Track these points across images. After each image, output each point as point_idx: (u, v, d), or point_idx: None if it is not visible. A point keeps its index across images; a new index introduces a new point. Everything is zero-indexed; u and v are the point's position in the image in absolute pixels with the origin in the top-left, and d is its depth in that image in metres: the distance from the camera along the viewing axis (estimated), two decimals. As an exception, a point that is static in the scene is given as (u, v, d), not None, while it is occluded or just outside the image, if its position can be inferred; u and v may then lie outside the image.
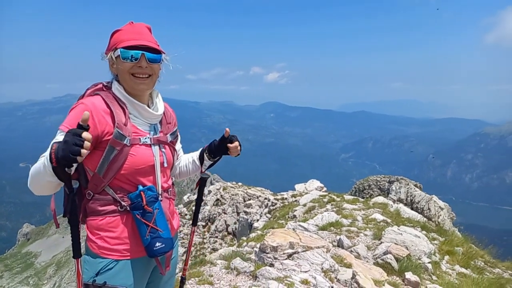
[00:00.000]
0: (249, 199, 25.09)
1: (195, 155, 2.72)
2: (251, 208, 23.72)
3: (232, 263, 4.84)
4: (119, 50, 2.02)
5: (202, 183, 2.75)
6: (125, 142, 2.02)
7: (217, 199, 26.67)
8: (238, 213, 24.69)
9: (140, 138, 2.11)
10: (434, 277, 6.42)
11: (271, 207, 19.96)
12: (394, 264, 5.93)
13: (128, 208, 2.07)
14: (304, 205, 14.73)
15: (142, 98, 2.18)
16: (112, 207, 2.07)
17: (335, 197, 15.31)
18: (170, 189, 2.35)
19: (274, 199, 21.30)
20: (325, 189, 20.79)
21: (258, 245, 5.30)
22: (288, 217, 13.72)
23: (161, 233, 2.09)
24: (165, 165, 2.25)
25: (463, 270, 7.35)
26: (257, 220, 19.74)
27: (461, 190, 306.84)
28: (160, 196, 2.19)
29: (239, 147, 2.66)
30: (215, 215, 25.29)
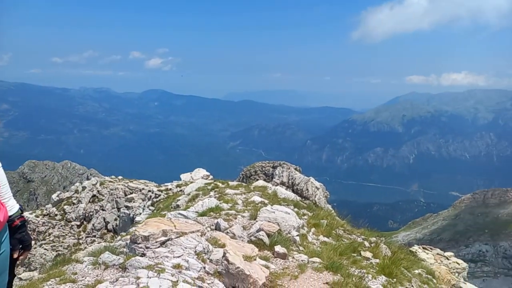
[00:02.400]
0: (131, 193, 23.88)
1: None
2: (133, 202, 22.64)
3: (100, 258, 4.64)
4: None
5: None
6: None
7: (94, 196, 24.65)
8: (118, 209, 23.29)
9: None
10: (301, 248, 7.31)
11: (155, 199, 19.46)
12: (266, 240, 6.52)
13: None
14: (189, 194, 14.79)
15: None
16: None
17: (220, 184, 15.77)
18: None
19: (158, 190, 20.78)
20: (211, 177, 21.19)
21: (129, 237, 5.19)
22: (172, 207, 13.61)
23: None
24: None
25: (325, 239, 8.54)
26: (140, 214, 19.01)
27: (334, 171, 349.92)
28: None
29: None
30: (91, 213, 23.36)
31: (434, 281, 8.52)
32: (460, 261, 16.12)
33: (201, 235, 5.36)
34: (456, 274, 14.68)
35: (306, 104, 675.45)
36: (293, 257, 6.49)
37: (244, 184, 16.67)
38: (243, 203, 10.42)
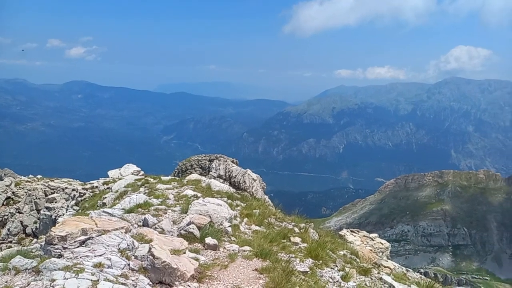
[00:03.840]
0: (52, 193, 22.10)
1: None
2: (55, 202, 21.00)
3: (11, 263, 4.27)
4: None
5: None
6: None
7: (8, 198, 22.37)
8: (38, 211, 21.44)
9: None
10: (233, 238, 7.45)
11: (79, 199, 18.27)
12: (196, 233, 6.54)
13: None
14: (116, 191, 14.14)
15: None
16: None
17: (151, 179, 15.30)
18: None
19: (83, 189, 19.53)
20: (142, 172, 20.42)
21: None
22: (98, 206, 12.93)
23: None
24: None
25: (257, 228, 8.81)
26: (63, 214, 17.73)
27: (270, 162, 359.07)
28: None
29: None
30: (6, 217, 21.21)
31: (358, 260, 9.26)
32: (383, 241, 17.68)
33: (126, 232, 5.20)
34: (380, 253, 16.09)
35: (242, 97, 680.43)
36: (225, 248, 6.60)
37: (177, 178, 16.39)
38: (174, 198, 10.28)
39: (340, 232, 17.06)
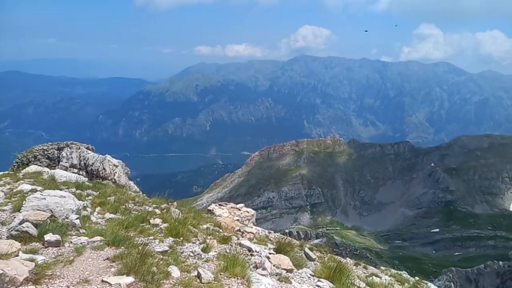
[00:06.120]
0: None
1: None
2: None
3: None
4: None
5: None
6: None
7: None
8: None
9: None
10: (82, 230, 6.85)
11: None
12: (32, 231, 5.77)
13: None
14: None
15: None
16: None
17: (-26, 178, 12.75)
18: None
19: None
20: (-38, 171, 16.81)
21: None
22: None
23: None
24: None
25: (112, 215, 8.31)
26: None
27: (133, 145, 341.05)
28: None
29: None
30: None
31: (221, 231, 9.73)
32: (249, 209, 19.02)
33: None
34: (247, 221, 17.29)
35: (93, 75, 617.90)
36: (71, 242, 6.04)
37: (11, 172, 14.06)
38: (6, 195, 8.84)
39: (208, 208, 17.64)
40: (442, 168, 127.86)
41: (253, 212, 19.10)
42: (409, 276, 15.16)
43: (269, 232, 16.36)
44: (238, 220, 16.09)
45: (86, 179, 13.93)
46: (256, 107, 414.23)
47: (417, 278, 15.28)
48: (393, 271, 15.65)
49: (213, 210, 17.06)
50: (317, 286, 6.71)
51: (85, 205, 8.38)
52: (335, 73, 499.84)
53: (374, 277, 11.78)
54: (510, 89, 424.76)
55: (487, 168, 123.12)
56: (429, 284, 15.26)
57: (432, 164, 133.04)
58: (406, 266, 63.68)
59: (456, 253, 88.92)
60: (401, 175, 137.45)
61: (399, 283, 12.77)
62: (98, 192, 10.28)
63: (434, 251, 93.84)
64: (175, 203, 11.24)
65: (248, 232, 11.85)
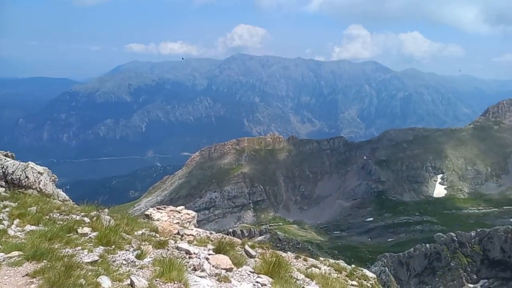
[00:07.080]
0: None
1: None
2: None
3: None
4: None
5: None
6: None
7: None
8: None
9: None
10: (-3, 247, 6.21)
11: None
12: None
13: None
14: None
15: None
16: None
17: None
18: None
19: None
20: None
21: None
22: None
23: None
24: None
25: (33, 227, 7.63)
26: None
27: (60, 150, 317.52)
28: None
29: None
30: None
31: (157, 235, 9.41)
32: (190, 211, 18.63)
33: None
34: (187, 223, 16.93)
35: (10, 75, 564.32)
36: (-18, 261, 5.43)
37: None
38: None
39: (146, 212, 16.97)
40: (374, 161, 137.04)
41: (194, 214, 18.78)
42: (346, 265, 15.97)
43: (211, 233, 16.22)
44: (178, 223, 15.74)
45: (3, 189, 12.69)
46: (195, 106, 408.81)
47: (353, 266, 16.15)
48: (332, 261, 16.39)
49: (151, 214, 16.48)
50: (257, 282, 6.78)
51: (0, 218, 7.60)
52: (272, 72, 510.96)
53: (313, 268, 12.23)
54: (429, 86, 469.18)
55: (412, 159, 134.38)
56: (364, 270, 16.22)
57: (365, 157, 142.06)
58: (345, 255, 67.37)
59: (389, 239, 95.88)
60: (337, 169, 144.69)
61: (337, 272, 13.39)
62: (17, 203, 9.39)
63: (369, 239, 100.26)
64: (106, 210, 10.65)
65: (188, 235, 11.64)
